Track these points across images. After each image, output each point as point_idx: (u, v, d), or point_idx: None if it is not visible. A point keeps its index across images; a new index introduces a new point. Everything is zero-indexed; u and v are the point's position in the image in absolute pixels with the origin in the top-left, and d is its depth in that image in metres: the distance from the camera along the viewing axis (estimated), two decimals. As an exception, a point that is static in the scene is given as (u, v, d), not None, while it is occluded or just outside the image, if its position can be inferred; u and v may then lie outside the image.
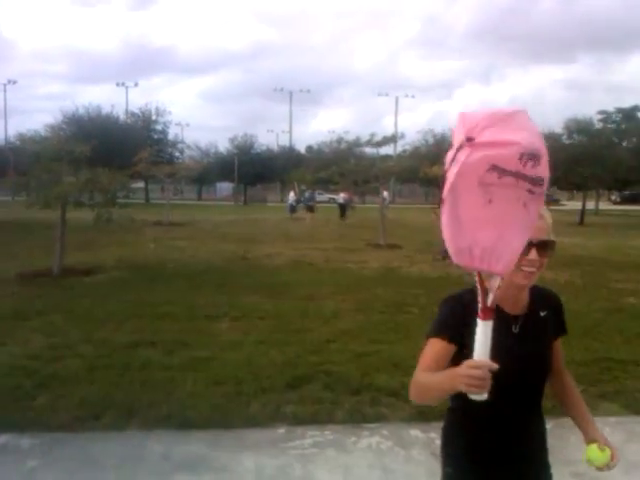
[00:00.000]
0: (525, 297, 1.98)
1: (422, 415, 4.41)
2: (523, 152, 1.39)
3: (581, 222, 30.08)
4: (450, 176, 1.40)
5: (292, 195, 34.40)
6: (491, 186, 1.39)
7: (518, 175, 1.39)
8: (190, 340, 6.40)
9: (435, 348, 1.91)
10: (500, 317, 1.69)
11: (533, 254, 1.79)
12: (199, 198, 64.87)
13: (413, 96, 75.85)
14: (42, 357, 5.65)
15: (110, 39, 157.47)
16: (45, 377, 5.06)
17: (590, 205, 37.68)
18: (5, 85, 58.91)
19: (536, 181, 1.44)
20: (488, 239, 1.45)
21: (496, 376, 1.51)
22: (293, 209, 33.07)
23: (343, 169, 18.29)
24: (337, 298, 9.03)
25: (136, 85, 62.40)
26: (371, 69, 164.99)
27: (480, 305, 1.55)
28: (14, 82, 59.11)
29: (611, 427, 4.24)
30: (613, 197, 67.82)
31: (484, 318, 1.54)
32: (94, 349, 5.99)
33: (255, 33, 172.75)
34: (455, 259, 1.50)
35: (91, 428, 4.16)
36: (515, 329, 1.93)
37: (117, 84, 60.64)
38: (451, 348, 1.86)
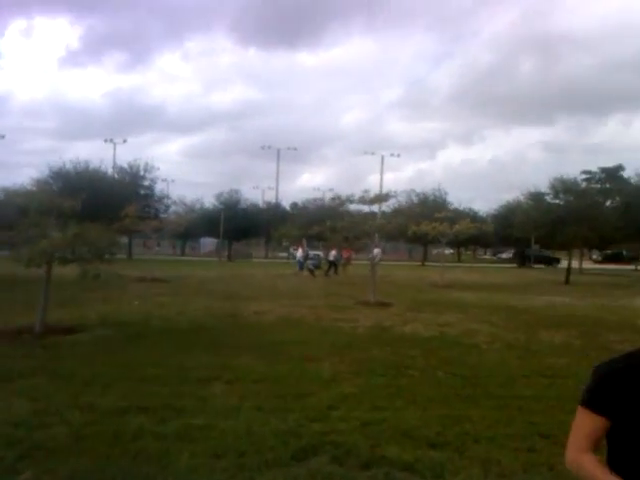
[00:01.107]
0: None
1: (441, 493, 4.10)
2: None
3: (567, 281, 30.12)
4: None
5: (300, 251, 34.17)
6: None
7: None
8: (183, 406, 6.02)
9: (585, 421, 1.81)
10: None
11: None
12: (182, 253, 64.42)
13: (399, 155, 76.89)
14: (26, 424, 5.24)
15: (99, 97, 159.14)
16: (29, 447, 4.65)
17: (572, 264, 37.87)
18: (-8, 140, 58.54)
19: None
20: None
21: None
22: (302, 265, 32.80)
23: (336, 225, 18.19)
24: (333, 359, 8.70)
25: (125, 142, 62.27)
26: (355, 129, 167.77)
27: None
28: (2, 137, 58.94)
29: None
30: (594, 256, 68.41)
31: None
32: (81, 415, 5.59)
33: (241, 93, 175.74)
34: None
35: (80, 509, 3.77)
36: None
37: (105, 140, 60.61)
38: (602, 422, 1.67)
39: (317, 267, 31.14)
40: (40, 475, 4.16)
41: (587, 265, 52.60)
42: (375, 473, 4.38)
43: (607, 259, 66.43)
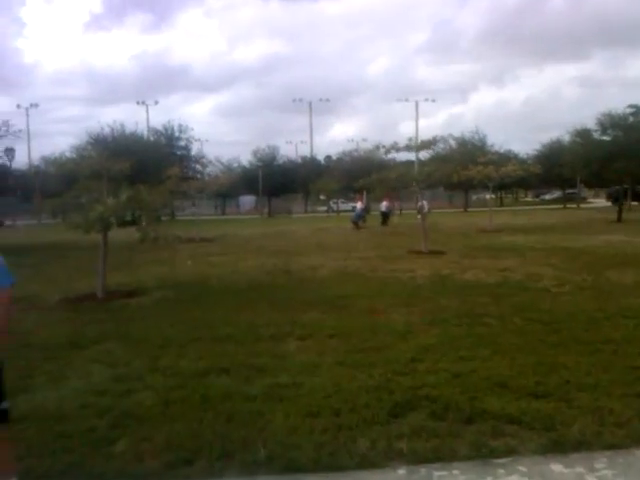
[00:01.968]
0: None
1: (557, 446, 3.86)
2: None
3: (619, 219, 29.20)
4: None
5: (359, 205, 33.73)
6: None
7: None
8: (262, 364, 5.89)
9: None
10: None
11: None
12: (223, 212, 64.72)
13: (433, 100, 75.03)
14: (110, 392, 5.16)
15: (126, 61, 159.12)
16: (119, 416, 4.56)
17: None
18: (27, 109, 59.09)
19: None
20: None
21: None
22: (360, 218, 31.99)
23: (385, 176, 17.76)
24: (401, 311, 8.48)
25: (156, 103, 62.34)
26: (384, 76, 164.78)
27: None
28: (36, 106, 59.37)
29: None
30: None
31: None
32: (163, 379, 5.50)
33: (266, 47, 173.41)
34: None
35: (186, 476, 3.65)
36: None
37: (137, 103, 60.79)
38: None
39: (361, 219, 30.78)
40: (138, 444, 4.06)
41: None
42: (481, 428, 4.17)
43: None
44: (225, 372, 5.67)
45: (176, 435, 4.18)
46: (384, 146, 17.16)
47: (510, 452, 3.83)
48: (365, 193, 34.24)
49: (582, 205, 59.21)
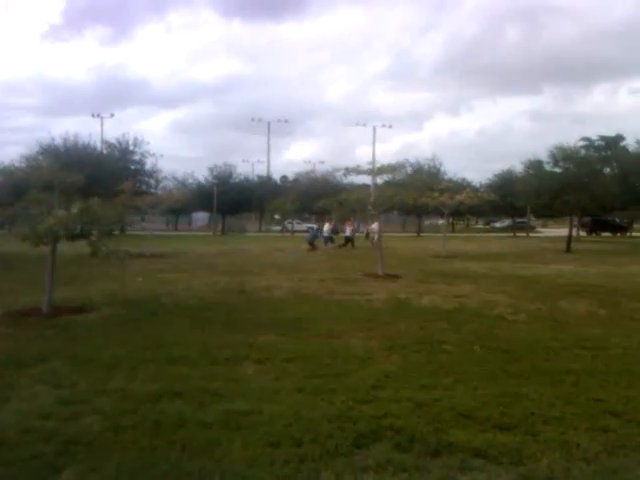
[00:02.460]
0: None
1: (527, 482, 3.75)
2: None
3: (568, 249, 29.91)
4: None
5: (327, 226, 33.46)
6: None
7: None
8: (218, 388, 5.65)
9: None
10: None
11: None
12: (175, 228, 63.78)
13: (390, 126, 75.38)
14: (55, 415, 4.84)
15: (83, 73, 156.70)
16: (66, 442, 4.26)
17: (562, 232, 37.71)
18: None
19: None
20: None
21: None
22: (328, 240, 31.98)
23: (345, 198, 17.70)
24: (360, 335, 8.34)
25: (112, 116, 61.23)
26: (342, 100, 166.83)
27: None
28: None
29: None
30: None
31: None
32: (113, 403, 5.20)
33: (226, 66, 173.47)
34: None
35: (137, 511, 3.40)
36: None
37: (92, 115, 59.55)
38: None
39: (315, 239, 30.54)
40: (86, 474, 3.77)
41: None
42: (448, 461, 4.04)
43: (598, 227, 66.29)
44: (179, 396, 5.41)
45: (127, 465, 3.91)
46: (346, 168, 17.12)
47: (479, 488, 3.70)
48: (333, 216, 34.03)
49: (531, 234, 60.58)
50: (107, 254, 9.53)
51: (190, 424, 4.67)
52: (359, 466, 3.95)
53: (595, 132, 41.12)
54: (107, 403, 5.18)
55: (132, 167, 50.13)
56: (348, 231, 31.72)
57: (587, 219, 54.90)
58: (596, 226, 60.41)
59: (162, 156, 64.18)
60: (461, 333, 8.56)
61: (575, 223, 38.13)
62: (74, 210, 9.85)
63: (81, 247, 10.40)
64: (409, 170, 58.11)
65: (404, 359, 6.93)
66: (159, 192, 42.91)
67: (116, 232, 10.54)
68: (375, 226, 25.54)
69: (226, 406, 5.11)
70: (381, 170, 17.38)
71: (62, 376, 6.07)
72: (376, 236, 21.98)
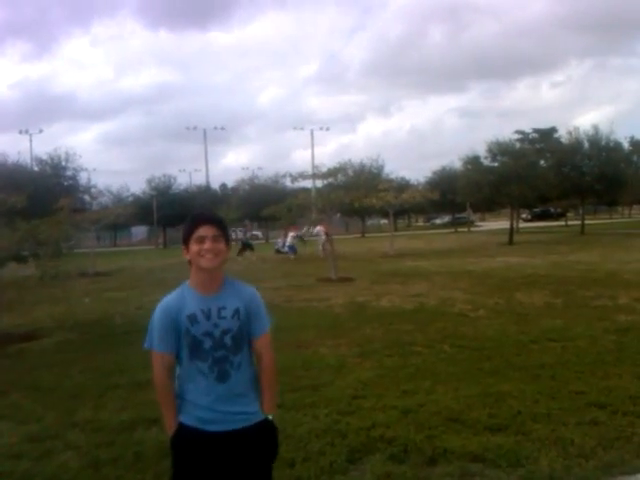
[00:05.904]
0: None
1: (531, 484, 3.71)
2: None
3: (510, 241, 30.64)
4: None
5: (290, 236, 31.78)
6: None
7: None
8: (194, 411, 5.40)
9: None
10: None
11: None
12: (114, 244, 62.15)
13: (328, 129, 75.70)
14: (27, 454, 4.51)
15: (6, 89, 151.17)
16: (42, 484, 3.97)
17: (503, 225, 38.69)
18: None
19: None
20: None
21: None
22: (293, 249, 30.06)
23: (294, 204, 17.56)
24: (328, 343, 8.22)
25: (41, 132, 59.20)
26: (276, 106, 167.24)
27: None
28: None
29: None
30: (524, 215, 70.46)
31: None
32: (86, 436, 4.90)
33: (156, 76, 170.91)
34: None
35: None
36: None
37: (20, 132, 57.34)
38: None
39: (249, 246, 29.23)
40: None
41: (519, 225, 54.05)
42: (447, 469, 3.95)
43: (536, 217, 68.74)
44: (155, 423, 5.12)
45: (114, 505, 3.66)
46: (291, 174, 17.00)
47: (484, 495, 3.63)
48: (297, 226, 32.75)
49: (472, 228, 61.91)
50: (55, 275, 9.09)
51: (173, 453, 4.42)
52: (359, 483, 3.82)
53: (521, 125, 42.83)
54: (80, 437, 4.88)
55: (65, 183, 48.45)
56: (289, 239, 30.56)
57: (537, 210, 60.48)
58: (536, 216, 65.62)
59: (95, 170, 62.36)
60: (428, 333, 8.55)
61: (522, 215, 39.39)
62: (19, 231, 9.38)
63: (18, 269, 9.92)
64: (351, 172, 58.78)
65: (378, 364, 6.85)
66: (95, 208, 41.48)
67: (65, 252, 10.06)
68: (319, 229, 25.38)
69: (207, 430, 4.88)
70: (329, 173, 17.33)
71: (25, 410, 5.70)
72: (321, 242, 21.80)
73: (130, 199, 57.10)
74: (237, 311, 2.58)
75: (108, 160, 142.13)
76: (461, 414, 4.93)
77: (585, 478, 3.72)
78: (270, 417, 2.66)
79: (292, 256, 28.04)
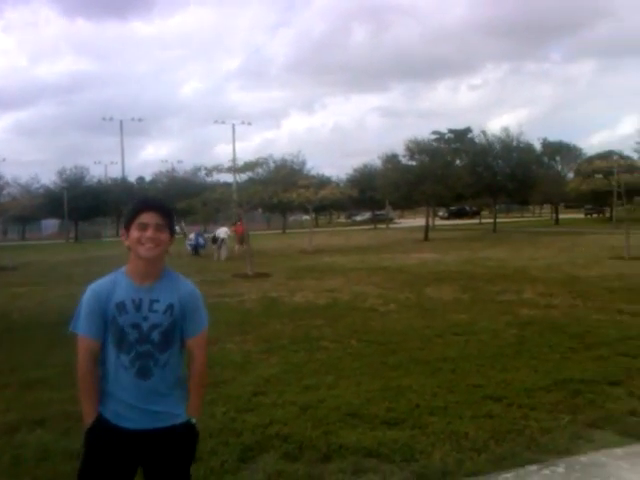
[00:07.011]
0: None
1: (422, 478, 3.68)
2: None
3: (426, 238, 31.31)
4: None
5: (193, 234, 30.33)
6: None
7: None
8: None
9: None
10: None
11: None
12: (23, 238, 59.32)
13: (250, 123, 75.30)
14: None
15: None
16: None
17: (420, 222, 39.62)
18: None
19: None
20: None
21: None
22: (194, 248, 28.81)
23: (210, 198, 17.17)
24: (235, 339, 8.04)
25: (-59, 117, 55.57)
26: (197, 99, 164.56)
27: None
28: None
29: (623, 460, 3.79)
30: (440, 213, 72.31)
31: None
32: (-39, 441, 4.53)
33: (72, 65, 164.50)
34: None
35: None
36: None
37: None
38: None
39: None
40: None
41: (435, 222, 55.44)
42: (341, 465, 3.87)
43: (452, 215, 70.75)
44: (39, 424, 4.83)
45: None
46: (206, 168, 16.65)
47: (376, 491, 3.57)
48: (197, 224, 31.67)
49: (391, 225, 62.93)
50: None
51: (54, 455, 4.15)
52: (249, 483, 3.68)
53: (440, 126, 43.85)
54: (-47, 441, 4.51)
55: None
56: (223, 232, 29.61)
57: (453, 208, 63.23)
58: (453, 214, 68.88)
59: (4, 160, 59.27)
60: (337, 328, 8.53)
61: (439, 213, 40.51)
62: None
63: None
64: (272, 166, 58.49)
65: (283, 360, 6.74)
66: (1, 200, 39.41)
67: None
68: (223, 230, 24.67)
69: (95, 431, 4.62)
70: (245, 167, 17.09)
71: None
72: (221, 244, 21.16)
73: (40, 191, 54.66)
74: (171, 306, 2.39)
75: (19, 150, 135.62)
76: (360, 409, 4.88)
77: (476, 472, 3.73)
78: (193, 420, 2.47)
79: (193, 253, 27.15)
